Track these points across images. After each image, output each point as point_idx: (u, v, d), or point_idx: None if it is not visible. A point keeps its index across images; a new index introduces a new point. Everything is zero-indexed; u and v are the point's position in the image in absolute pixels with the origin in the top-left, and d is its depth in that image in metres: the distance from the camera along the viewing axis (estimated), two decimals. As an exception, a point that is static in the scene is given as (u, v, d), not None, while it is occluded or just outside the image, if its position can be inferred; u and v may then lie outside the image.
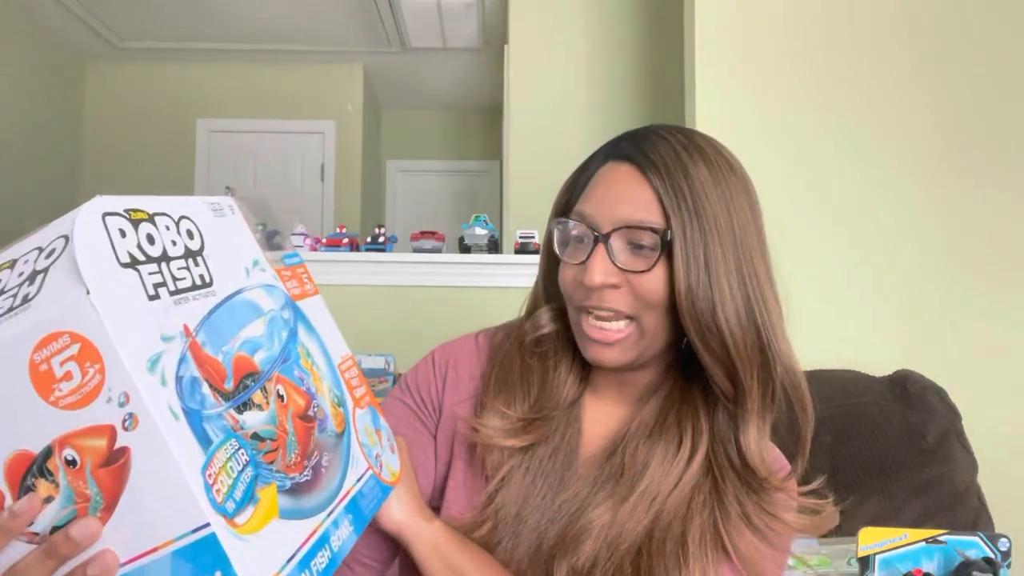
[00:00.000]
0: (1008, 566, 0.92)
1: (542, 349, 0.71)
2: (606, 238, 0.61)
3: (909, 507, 1.18)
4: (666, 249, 0.59)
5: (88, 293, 0.35)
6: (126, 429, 0.36)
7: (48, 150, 3.65)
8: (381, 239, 2.01)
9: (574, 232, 0.64)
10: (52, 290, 0.36)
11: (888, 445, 1.23)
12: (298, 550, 0.44)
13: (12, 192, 3.34)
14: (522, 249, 1.97)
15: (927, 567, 0.92)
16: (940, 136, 1.69)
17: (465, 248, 2.05)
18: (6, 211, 3.30)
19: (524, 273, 1.86)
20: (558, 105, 2.63)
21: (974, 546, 0.92)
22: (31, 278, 0.37)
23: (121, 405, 0.35)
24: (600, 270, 0.60)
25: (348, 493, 0.52)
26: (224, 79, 4.07)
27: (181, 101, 4.04)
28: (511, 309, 0.78)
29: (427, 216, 4.76)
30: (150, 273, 0.39)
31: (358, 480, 0.54)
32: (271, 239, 2.09)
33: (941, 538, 0.93)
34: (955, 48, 1.70)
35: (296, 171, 4.10)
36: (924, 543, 0.93)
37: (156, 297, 0.39)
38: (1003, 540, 0.93)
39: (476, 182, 4.92)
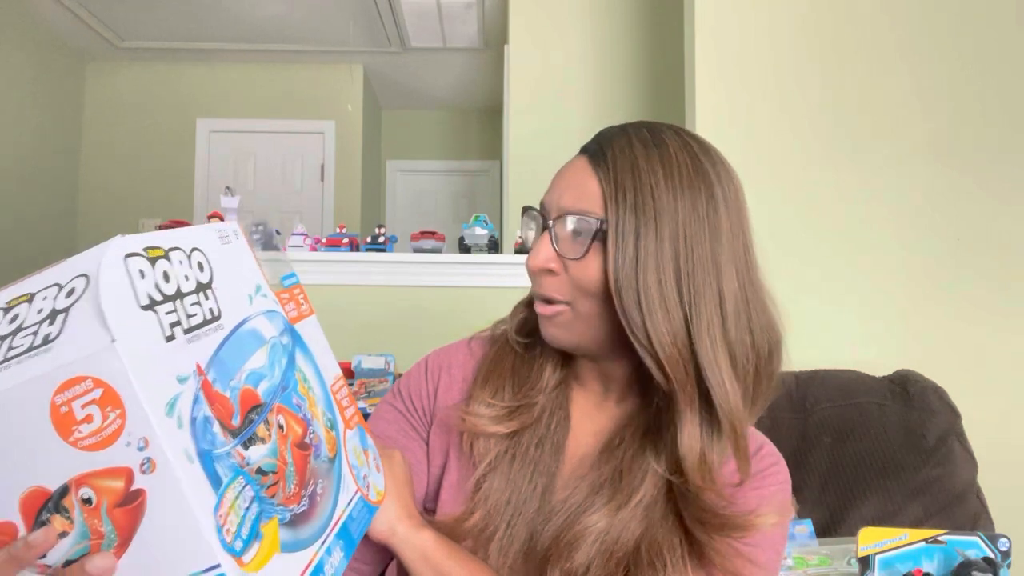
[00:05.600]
0: (1008, 566, 0.92)
1: (528, 340, 0.73)
2: (552, 224, 0.64)
3: (909, 507, 1.18)
4: (600, 238, 0.61)
5: (113, 341, 0.35)
6: (144, 472, 0.37)
7: (48, 150, 3.65)
8: (381, 239, 2.01)
9: (534, 220, 0.68)
10: (74, 333, 0.36)
11: (888, 445, 1.23)
12: None
13: (12, 192, 3.34)
14: (522, 249, 1.97)
15: (927, 567, 0.92)
16: (942, 135, 1.69)
17: (465, 248, 2.05)
18: (6, 211, 3.30)
19: (524, 273, 1.85)
20: (558, 105, 2.63)
21: (974, 546, 0.92)
22: (51, 317, 0.37)
23: (140, 449, 0.36)
24: (541, 254, 0.64)
25: (339, 519, 0.52)
26: (224, 79, 4.07)
27: (181, 101, 4.04)
28: (511, 309, 0.78)
29: (427, 216, 4.77)
30: (167, 313, 0.40)
31: (348, 504, 0.54)
32: (271, 239, 2.09)
33: (941, 538, 0.93)
34: (958, 43, 1.70)
35: (296, 171, 4.10)
36: (924, 543, 0.92)
37: (172, 338, 0.40)
38: (1003, 540, 0.93)
39: (476, 182, 4.92)
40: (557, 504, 0.66)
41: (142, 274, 0.39)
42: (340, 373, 0.60)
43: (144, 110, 4.02)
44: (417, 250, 2.01)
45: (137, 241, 0.40)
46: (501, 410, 0.69)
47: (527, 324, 0.73)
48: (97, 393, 0.35)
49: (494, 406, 0.69)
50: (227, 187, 2.19)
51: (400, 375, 1.75)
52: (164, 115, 4.02)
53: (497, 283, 1.95)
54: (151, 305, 0.39)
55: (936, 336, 1.65)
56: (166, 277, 0.41)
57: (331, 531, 0.51)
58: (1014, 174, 1.67)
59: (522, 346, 0.73)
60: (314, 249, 2.01)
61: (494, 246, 2.06)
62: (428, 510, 0.72)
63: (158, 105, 4.02)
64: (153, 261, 0.40)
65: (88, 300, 0.37)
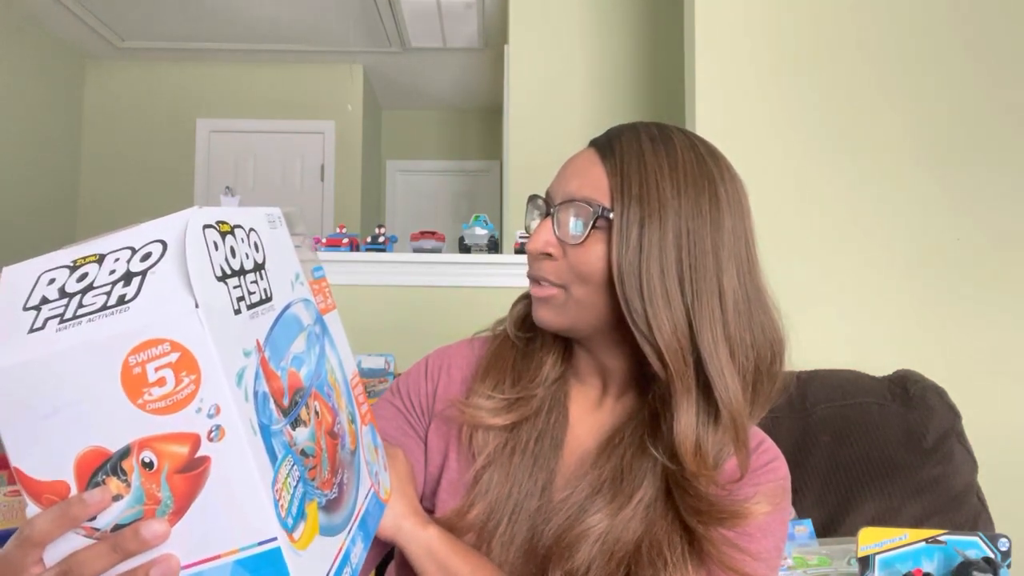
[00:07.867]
0: (1008, 566, 0.92)
1: (528, 335, 0.73)
2: (554, 210, 0.64)
3: (909, 507, 1.18)
4: (603, 226, 0.62)
5: (197, 306, 0.35)
6: (211, 440, 0.36)
7: (48, 150, 3.65)
8: (381, 239, 2.01)
9: (538, 209, 0.69)
10: (154, 296, 0.36)
11: (888, 445, 1.23)
12: (331, 567, 0.45)
13: (12, 192, 3.34)
14: (522, 249, 1.97)
15: (927, 567, 0.92)
16: (942, 136, 1.69)
17: (465, 248, 2.05)
18: (6, 210, 3.30)
19: (524, 273, 1.85)
20: (558, 105, 2.63)
21: (974, 546, 0.92)
22: (125, 279, 0.37)
23: (210, 416, 0.36)
24: (541, 238, 0.64)
25: (359, 511, 0.53)
26: (224, 79, 4.07)
27: (181, 101, 4.04)
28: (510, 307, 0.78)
29: (427, 216, 4.77)
30: (234, 287, 0.40)
31: (365, 498, 0.54)
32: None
33: (941, 538, 0.93)
34: (958, 44, 1.70)
35: (296, 171, 4.10)
36: (924, 543, 0.92)
37: (239, 312, 0.39)
38: (1003, 540, 0.93)
39: (476, 182, 4.92)
40: (558, 503, 0.66)
41: (216, 247, 0.39)
42: (356, 370, 0.61)
43: (144, 110, 4.02)
44: (417, 250, 2.01)
45: (211, 214, 0.40)
46: (500, 402, 0.69)
47: (526, 317, 0.73)
48: (173, 357, 0.35)
49: (493, 398, 0.69)
50: (227, 187, 2.19)
51: (400, 375, 1.75)
52: (164, 115, 4.02)
53: (497, 283, 1.95)
54: (223, 277, 0.39)
55: (936, 336, 1.64)
56: (233, 253, 0.41)
57: (354, 522, 0.51)
58: (1014, 175, 1.67)
59: (522, 340, 0.73)
60: (314, 249, 2.01)
61: (494, 246, 2.06)
62: (425, 509, 0.72)
63: (158, 105, 4.02)
64: (223, 236, 0.40)
65: (169, 264, 0.36)
